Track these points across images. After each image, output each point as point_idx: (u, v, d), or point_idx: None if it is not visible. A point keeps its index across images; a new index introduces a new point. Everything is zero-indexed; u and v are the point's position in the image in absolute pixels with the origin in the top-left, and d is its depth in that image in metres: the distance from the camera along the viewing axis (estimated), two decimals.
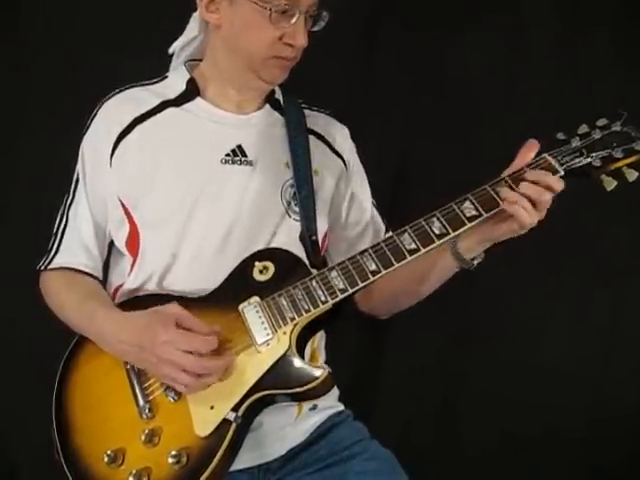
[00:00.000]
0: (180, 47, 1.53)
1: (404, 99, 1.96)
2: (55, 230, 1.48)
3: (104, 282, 1.50)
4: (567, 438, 2.00)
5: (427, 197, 1.85)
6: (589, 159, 1.27)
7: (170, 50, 1.54)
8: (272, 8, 1.31)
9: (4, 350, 1.89)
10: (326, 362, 1.53)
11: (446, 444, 2.02)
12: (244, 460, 1.33)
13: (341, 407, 1.53)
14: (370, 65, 1.97)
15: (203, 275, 1.37)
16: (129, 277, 1.44)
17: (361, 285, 1.29)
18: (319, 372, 1.25)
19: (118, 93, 1.47)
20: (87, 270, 1.45)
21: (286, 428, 1.42)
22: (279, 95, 1.55)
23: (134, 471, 1.22)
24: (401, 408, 2.01)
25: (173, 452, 1.22)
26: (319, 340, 1.50)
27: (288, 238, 1.44)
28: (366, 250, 1.30)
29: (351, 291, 1.29)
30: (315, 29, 1.40)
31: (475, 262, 1.34)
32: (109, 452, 1.24)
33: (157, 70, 1.52)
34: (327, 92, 1.64)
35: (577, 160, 1.27)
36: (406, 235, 1.29)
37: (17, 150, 1.88)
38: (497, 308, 1.97)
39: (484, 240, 1.30)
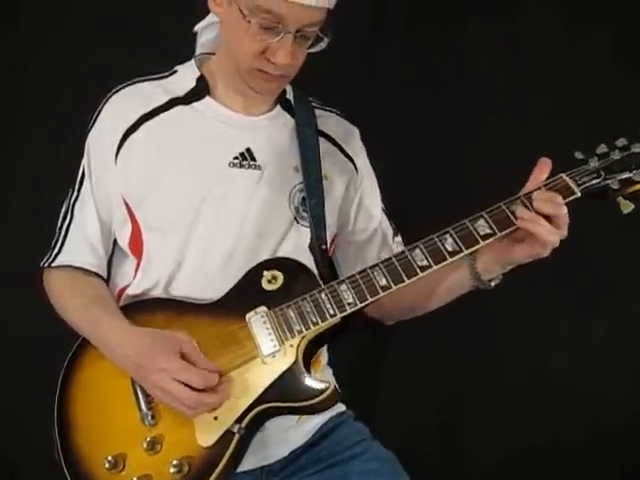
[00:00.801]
0: (204, 26, 1.49)
1: (406, 106, 1.95)
2: (59, 226, 1.45)
3: (107, 280, 1.47)
4: (567, 448, 2.01)
5: (428, 204, 1.89)
6: (607, 181, 1.25)
7: (195, 28, 1.50)
8: (252, 21, 1.25)
9: (5, 350, 1.88)
10: (328, 364, 1.54)
11: (447, 449, 2.03)
12: (246, 463, 1.32)
13: (343, 408, 1.53)
14: (371, 71, 1.95)
15: (209, 282, 1.35)
16: (134, 281, 1.41)
17: (370, 300, 1.27)
18: (324, 386, 1.24)
19: (125, 87, 1.43)
20: (92, 269, 1.43)
21: (289, 430, 1.41)
22: (290, 95, 1.51)
23: (134, 478, 1.22)
24: (402, 412, 2.01)
25: (175, 461, 1.21)
26: None
27: (296, 245, 1.42)
28: (377, 265, 1.29)
29: (360, 306, 1.27)
30: (312, 50, 1.33)
31: (492, 283, 1.32)
32: (110, 457, 1.23)
33: (156, 69, 1.48)
34: (327, 97, 1.61)
35: (595, 182, 1.25)
36: (418, 251, 1.27)
37: (17, 149, 1.86)
38: (500, 316, 1.96)
39: (502, 262, 1.28)
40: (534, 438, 2.01)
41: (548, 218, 1.20)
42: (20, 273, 1.62)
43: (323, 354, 1.52)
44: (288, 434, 1.41)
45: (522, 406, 2.00)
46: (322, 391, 1.23)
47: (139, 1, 1.83)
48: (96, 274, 1.44)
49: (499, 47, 1.94)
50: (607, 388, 2.01)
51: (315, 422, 1.46)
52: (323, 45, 1.32)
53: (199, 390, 1.19)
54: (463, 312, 1.91)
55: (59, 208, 1.46)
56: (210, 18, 1.46)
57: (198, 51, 1.52)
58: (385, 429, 1.55)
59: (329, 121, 1.53)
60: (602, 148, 1.28)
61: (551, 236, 1.19)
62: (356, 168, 1.53)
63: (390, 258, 1.29)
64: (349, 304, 1.27)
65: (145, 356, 1.22)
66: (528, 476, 2.02)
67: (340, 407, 1.52)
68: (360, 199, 1.54)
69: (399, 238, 1.57)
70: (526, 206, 1.23)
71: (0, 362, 1.90)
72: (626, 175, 1.25)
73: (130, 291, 1.41)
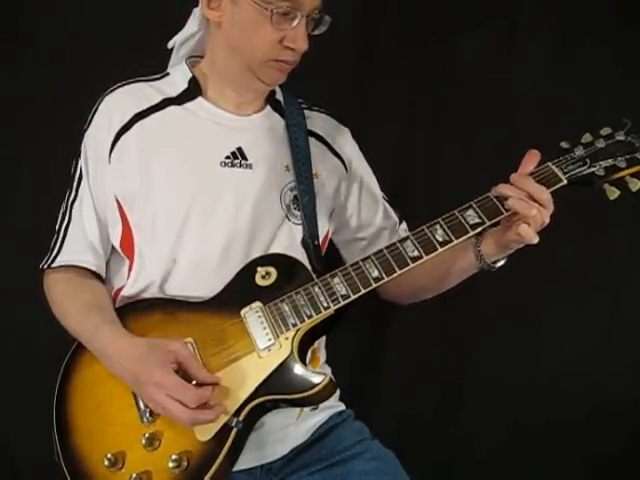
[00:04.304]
0: (180, 42, 1.52)
1: (403, 103, 1.96)
2: (57, 228, 1.45)
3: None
4: (568, 431, 2.01)
5: (427, 201, 1.90)
6: (593, 168, 1.28)
7: (169, 44, 1.54)
8: (273, 9, 1.29)
9: (6, 350, 1.88)
10: (326, 362, 1.54)
11: (447, 449, 2.02)
12: (246, 460, 1.33)
13: (342, 407, 1.54)
14: (369, 71, 1.96)
15: (203, 281, 1.36)
16: (128, 281, 1.42)
17: (363, 292, 1.29)
18: (320, 378, 1.25)
19: (119, 87, 1.45)
20: (92, 268, 1.43)
21: (288, 428, 1.42)
22: (279, 96, 1.54)
23: (134, 475, 1.22)
24: (401, 408, 2.01)
25: (173, 456, 1.21)
26: (319, 340, 1.49)
27: (289, 242, 1.43)
28: (369, 257, 1.31)
29: (353, 297, 1.29)
30: (316, 33, 1.38)
31: (497, 265, 1.35)
32: (109, 456, 1.23)
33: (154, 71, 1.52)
34: (325, 97, 1.64)
35: (581, 169, 1.28)
36: (409, 242, 1.30)
37: (19, 149, 1.87)
38: (498, 307, 1.96)
39: (502, 245, 1.31)
40: (535, 425, 2.01)
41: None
42: (20, 275, 1.62)
43: (321, 352, 1.53)
44: (287, 432, 1.42)
45: (523, 396, 1.99)
46: (318, 382, 1.24)
47: (138, 6, 1.85)
48: (95, 274, 1.44)
49: (496, 48, 1.95)
50: (608, 370, 2.01)
51: (315, 421, 1.46)
52: (324, 27, 1.37)
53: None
54: (463, 309, 1.93)
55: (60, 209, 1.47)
56: (186, 31, 1.50)
57: (173, 62, 1.55)
58: (385, 428, 1.55)
59: (318, 121, 1.56)
60: (587, 137, 1.32)
61: (531, 209, 1.22)
62: (346, 166, 1.55)
63: (382, 250, 1.31)
64: (342, 296, 1.29)
65: (141, 368, 1.23)
66: (532, 466, 2.01)
67: (340, 406, 1.53)
68: (359, 194, 1.56)
69: (404, 225, 1.59)
70: None
71: (0, 363, 1.90)
72: (611, 162, 1.28)
73: (125, 292, 1.42)
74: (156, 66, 1.54)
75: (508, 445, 2.00)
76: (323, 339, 1.52)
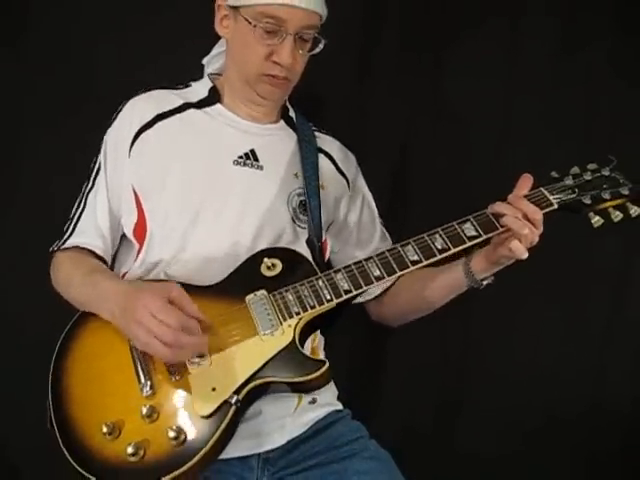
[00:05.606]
0: (209, 58, 1.65)
1: (401, 117, 2.02)
2: (72, 215, 1.54)
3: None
4: (566, 430, 2.04)
5: (423, 214, 1.91)
6: (580, 197, 1.40)
7: (203, 61, 1.66)
8: (257, 25, 1.41)
9: (6, 350, 1.89)
10: None
11: (444, 450, 2.04)
12: (243, 447, 1.37)
13: (340, 406, 1.57)
14: (367, 81, 2.03)
15: (209, 269, 1.42)
16: (134, 264, 1.48)
17: (365, 288, 1.37)
18: (319, 365, 1.31)
19: (144, 92, 1.56)
20: (99, 252, 1.49)
21: (285, 418, 1.44)
22: (292, 114, 1.65)
23: (133, 443, 1.23)
24: (400, 411, 2.03)
25: (174, 427, 1.23)
26: (319, 340, 1.57)
27: (294, 242, 1.51)
28: (371, 257, 1.40)
29: (355, 293, 1.37)
30: (313, 52, 1.49)
31: (484, 283, 1.44)
32: (108, 423, 1.24)
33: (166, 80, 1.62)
34: (324, 110, 1.73)
35: (569, 196, 1.41)
36: (409, 247, 1.40)
37: (23, 149, 1.92)
38: (497, 308, 2.00)
39: (492, 261, 1.40)
40: (533, 428, 2.03)
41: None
42: (21, 277, 1.68)
43: (320, 350, 1.58)
44: (285, 422, 1.44)
45: (521, 397, 2.02)
46: (317, 368, 1.31)
47: (147, 9, 1.91)
48: (101, 259, 1.50)
49: (495, 56, 2.01)
50: (605, 369, 2.05)
51: (313, 415, 1.49)
52: (321, 46, 1.48)
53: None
54: (457, 313, 1.91)
55: (65, 204, 1.55)
56: (217, 49, 1.63)
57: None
58: (382, 429, 1.57)
59: (328, 142, 1.68)
60: (575, 170, 1.45)
61: (524, 229, 1.32)
62: (349, 185, 1.66)
63: (384, 252, 1.41)
64: (345, 291, 1.37)
65: (133, 298, 1.26)
66: (528, 468, 2.04)
67: (338, 405, 1.57)
68: (359, 214, 1.67)
69: None
70: None
71: (1, 361, 1.91)
72: (597, 193, 1.40)
73: (131, 273, 1.48)
74: (165, 77, 1.64)
75: (506, 448, 2.02)
76: (322, 341, 1.58)
